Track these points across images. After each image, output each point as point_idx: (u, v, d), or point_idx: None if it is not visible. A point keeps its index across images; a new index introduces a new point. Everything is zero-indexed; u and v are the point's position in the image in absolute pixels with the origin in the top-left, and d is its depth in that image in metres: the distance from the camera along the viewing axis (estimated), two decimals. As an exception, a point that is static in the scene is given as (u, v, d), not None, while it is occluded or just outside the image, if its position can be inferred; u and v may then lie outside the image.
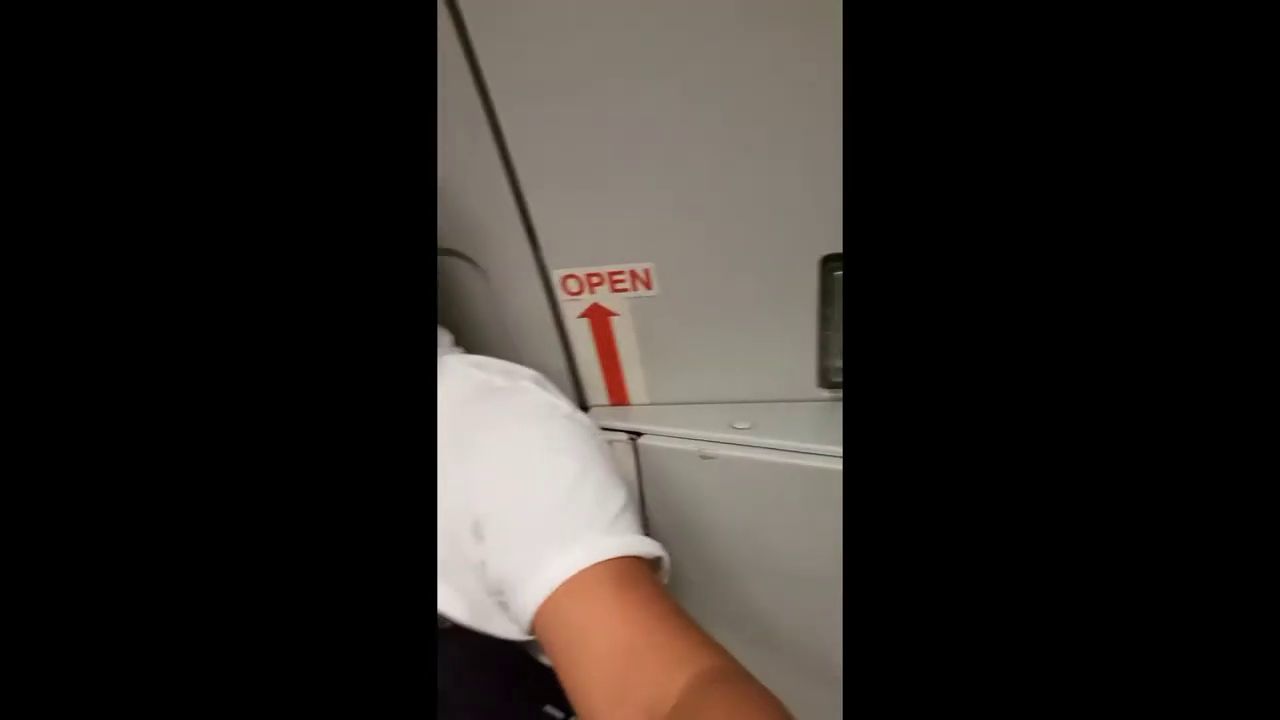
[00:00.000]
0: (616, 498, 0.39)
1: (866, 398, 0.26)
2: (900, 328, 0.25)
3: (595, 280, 0.56)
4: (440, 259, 0.60)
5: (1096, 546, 0.23)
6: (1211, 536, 0.22)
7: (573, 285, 0.57)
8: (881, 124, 0.25)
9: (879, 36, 0.25)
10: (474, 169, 0.51)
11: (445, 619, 0.41)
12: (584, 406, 0.65)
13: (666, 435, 0.59)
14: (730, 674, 0.31)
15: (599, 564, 0.35)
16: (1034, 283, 0.24)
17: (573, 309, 0.58)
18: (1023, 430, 0.24)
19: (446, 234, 0.57)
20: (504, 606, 0.40)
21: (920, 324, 0.25)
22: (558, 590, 0.35)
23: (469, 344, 0.57)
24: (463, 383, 0.46)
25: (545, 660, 0.45)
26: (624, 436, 0.60)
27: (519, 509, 0.39)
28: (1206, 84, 0.22)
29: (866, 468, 0.25)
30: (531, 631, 0.37)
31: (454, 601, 0.41)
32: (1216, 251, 0.22)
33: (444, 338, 0.54)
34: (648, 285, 0.55)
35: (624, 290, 0.56)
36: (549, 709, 0.47)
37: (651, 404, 0.63)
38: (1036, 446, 0.24)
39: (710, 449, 0.57)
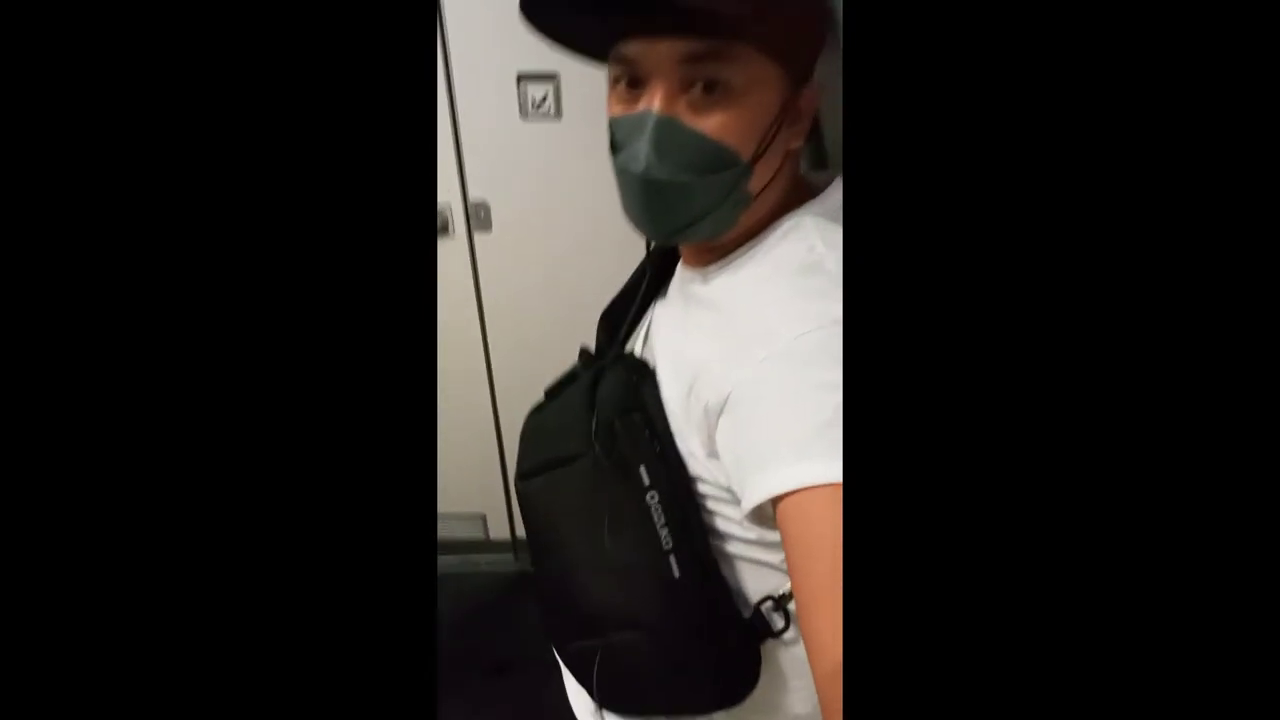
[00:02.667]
0: None
1: (866, 398, 0.26)
2: (898, 330, 0.26)
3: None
4: None
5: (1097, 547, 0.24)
6: (1207, 536, 0.23)
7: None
8: (880, 124, 0.26)
9: (878, 36, 0.25)
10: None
11: None
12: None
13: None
14: None
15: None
16: (1028, 284, 0.25)
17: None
18: (1020, 434, 0.24)
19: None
20: (719, 461, 0.44)
21: (919, 327, 0.25)
22: (818, 489, 0.37)
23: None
24: (801, 250, 0.46)
25: None
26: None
27: (787, 399, 0.40)
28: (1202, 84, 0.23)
29: (867, 468, 0.26)
30: (758, 506, 0.40)
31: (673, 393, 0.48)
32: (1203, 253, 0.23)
33: (837, 190, 0.50)
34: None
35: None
36: None
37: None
38: (1035, 450, 0.24)
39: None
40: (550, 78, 1.10)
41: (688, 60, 0.41)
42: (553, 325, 1.23)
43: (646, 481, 0.47)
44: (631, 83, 0.43)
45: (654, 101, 0.42)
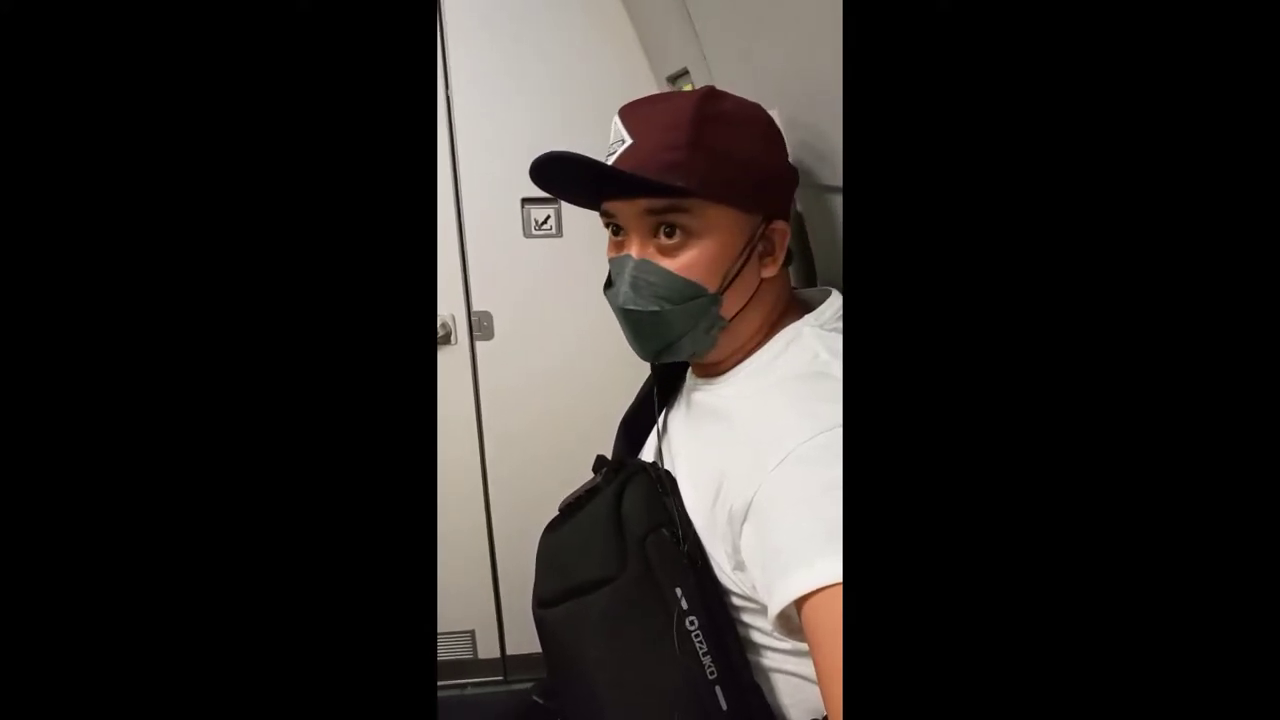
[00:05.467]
0: None
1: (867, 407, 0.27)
2: (900, 338, 0.26)
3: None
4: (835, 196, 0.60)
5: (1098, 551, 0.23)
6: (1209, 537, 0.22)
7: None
8: (882, 130, 0.26)
9: (878, 43, 0.26)
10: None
11: None
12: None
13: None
14: None
15: None
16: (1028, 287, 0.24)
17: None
18: (1022, 441, 0.24)
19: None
20: (742, 567, 0.45)
21: (921, 333, 0.26)
22: (833, 587, 0.38)
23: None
24: (805, 359, 0.51)
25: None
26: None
27: (801, 503, 0.42)
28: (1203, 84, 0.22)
29: (867, 475, 0.26)
30: (783, 613, 0.41)
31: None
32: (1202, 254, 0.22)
33: (835, 300, 0.55)
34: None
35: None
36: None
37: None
38: (1037, 455, 0.24)
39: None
40: (552, 201, 1.19)
41: (650, 213, 0.49)
42: (548, 428, 1.25)
43: (685, 605, 0.47)
44: (615, 231, 0.53)
45: (633, 246, 0.51)
